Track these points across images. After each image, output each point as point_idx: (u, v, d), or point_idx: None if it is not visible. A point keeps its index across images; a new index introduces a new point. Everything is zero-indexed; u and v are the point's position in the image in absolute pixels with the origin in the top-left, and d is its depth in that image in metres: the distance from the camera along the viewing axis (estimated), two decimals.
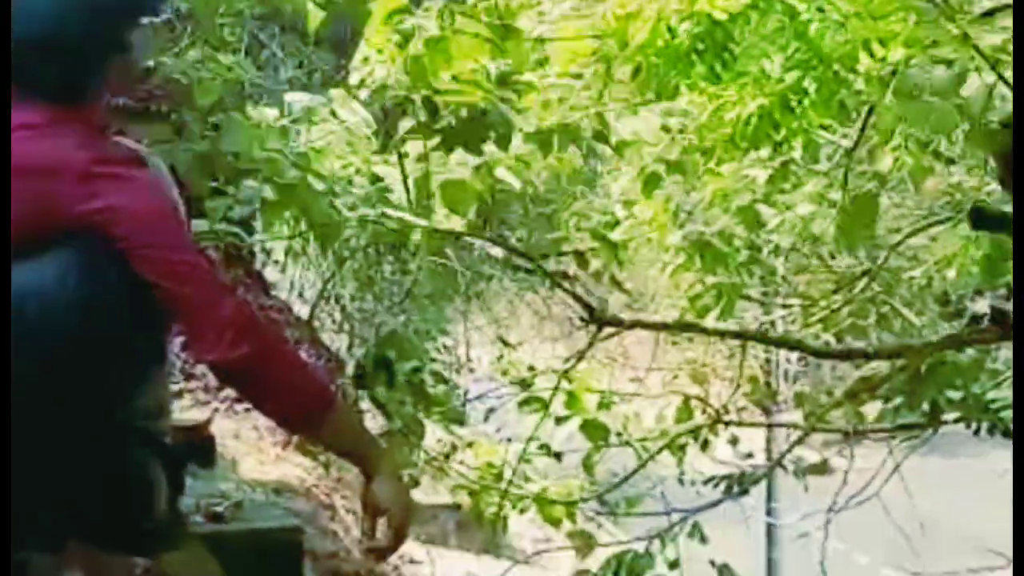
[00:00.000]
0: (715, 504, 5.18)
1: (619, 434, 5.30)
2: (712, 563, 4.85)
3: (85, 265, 2.62)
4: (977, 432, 4.72)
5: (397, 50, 3.51)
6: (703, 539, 5.02)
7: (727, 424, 5.30)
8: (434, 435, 5.48)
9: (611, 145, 4.20)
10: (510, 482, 5.17)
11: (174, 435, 5.45)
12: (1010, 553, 2.69)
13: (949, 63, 3.59)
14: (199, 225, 3.83)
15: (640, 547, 4.69)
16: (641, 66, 3.20)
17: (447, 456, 5.42)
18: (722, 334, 5.13)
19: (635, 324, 4.44)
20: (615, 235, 4.76)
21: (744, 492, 5.20)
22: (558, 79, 4.06)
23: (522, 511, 5.49)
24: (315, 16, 3.74)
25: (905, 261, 5.60)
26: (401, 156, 3.89)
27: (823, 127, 3.73)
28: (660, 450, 5.27)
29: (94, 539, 2.86)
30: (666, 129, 4.23)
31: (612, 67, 3.54)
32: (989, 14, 3.41)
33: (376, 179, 4.12)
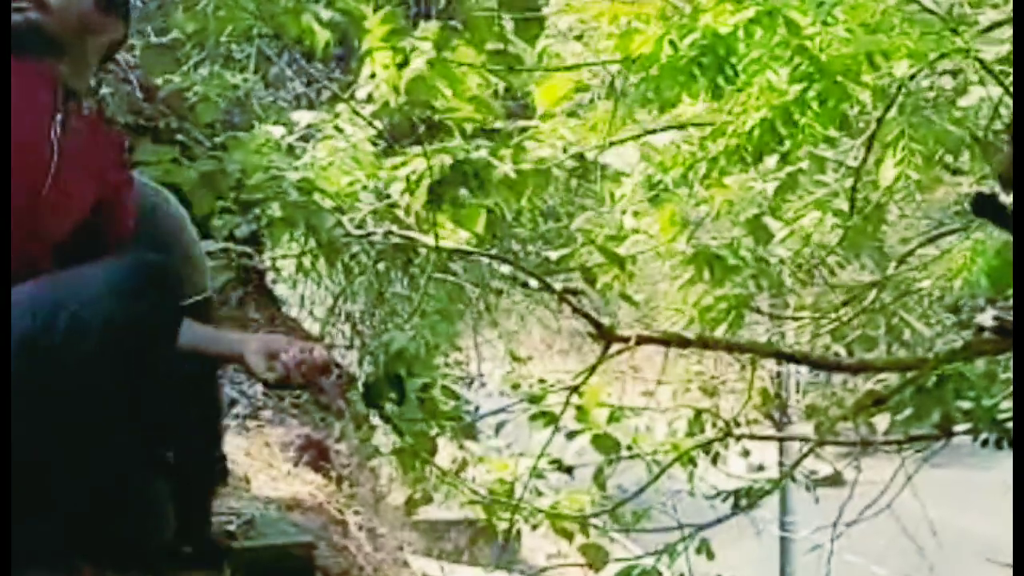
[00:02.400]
0: (727, 518, 5.17)
1: (630, 447, 5.29)
2: None
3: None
4: (985, 444, 4.70)
5: (396, 71, 3.53)
6: (710, 555, 5.02)
7: (738, 437, 5.29)
8: (446, 450, 5.49)
9: (591, 180, 4.24)
10: (521, 498, 5.16)
11: None
12: None
13: (954, 75, 3.59)
14: (207, 244, 3.85)
15: (649, 562, 4.68)
16: (643, 80, 3.20)
17: (458, 472, 5.43)
18: (731, 348, 5.12)
19: (644, 340, 4.43)
20: (623, 249, 4.76)
21: (753, 505, 5.19)
22: (542, 120, 4.10)
23: (535, 526, 5.49)
24: (321, 36, 3.76)
25: (915, 272, 5.59)
26: (409, 180, 3.91)
27: (827, 140, 3.72)
28: (671, 464, 5.26)
29: (104, 559, 2.87)
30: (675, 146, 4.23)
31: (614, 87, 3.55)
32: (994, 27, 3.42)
33: (383, 196, 4.14)
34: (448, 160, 3.79)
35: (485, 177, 3.84)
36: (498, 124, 4.19)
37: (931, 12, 3.28)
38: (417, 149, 3.96)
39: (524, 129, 4.21)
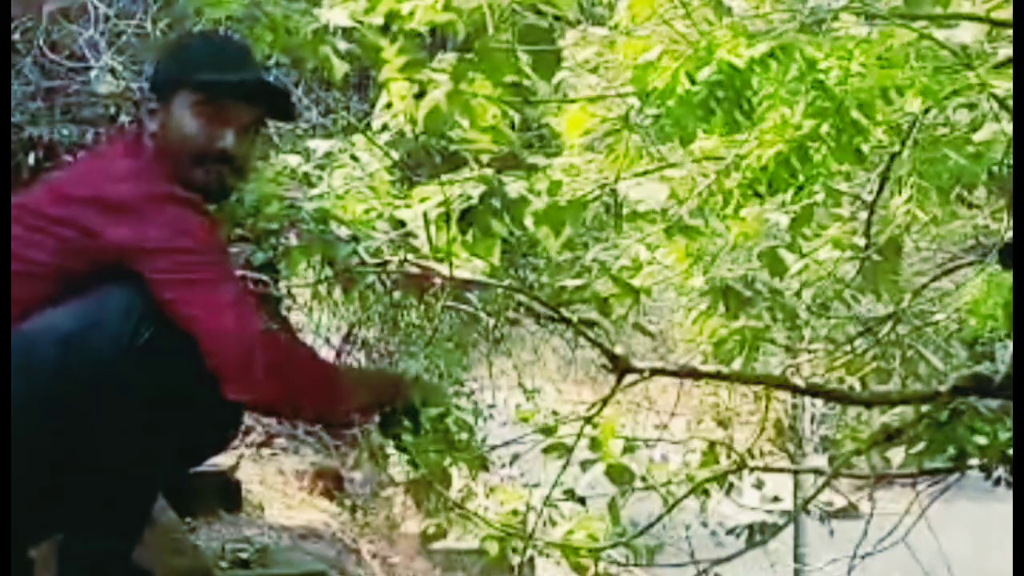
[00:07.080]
0: (741, 553, 5.15)
1: (644, 478, 5.27)
2: None
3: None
4: (998, 483, 4.69)
5: (413, 101, 3.55)
6: None
7: (752, 469, 5.27)
8: (459, 480, 5.48)
9: (621, 215, 4.25)
10: (534, 529, 5.15)
11: (201, 480, 5.49)
12: None
13: (970, 107, 3.59)
14: None
15: None
16: (660, 115, 3.20)
17: (464, 501, 5.42)
18: (746, 380, 5.11)
19: (658, 372, 4.43)
20: (637, 281, 4.76)
21: (767, 540, 5.17)
22: (568, 149, 4.11)
23: (548, 556, 5.47)
24: (340, 68, 3.77)
25: (930, 305, 5.58)
26: (426, 219, 3.93)
27: (842, 174, 3.73)
28: (686, 495, 5.24)
29: None
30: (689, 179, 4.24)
31: (629, 120, 3.56)
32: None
33: (398, 224, 4.15)
34: (475, 191, 3.80)
35: (517, 209, 3.86)
36: (513, 152, 4.21)
37: (945, 47, 3.29)
38: (441, 178, 3.98)
39: (535, 168, 4.22)
